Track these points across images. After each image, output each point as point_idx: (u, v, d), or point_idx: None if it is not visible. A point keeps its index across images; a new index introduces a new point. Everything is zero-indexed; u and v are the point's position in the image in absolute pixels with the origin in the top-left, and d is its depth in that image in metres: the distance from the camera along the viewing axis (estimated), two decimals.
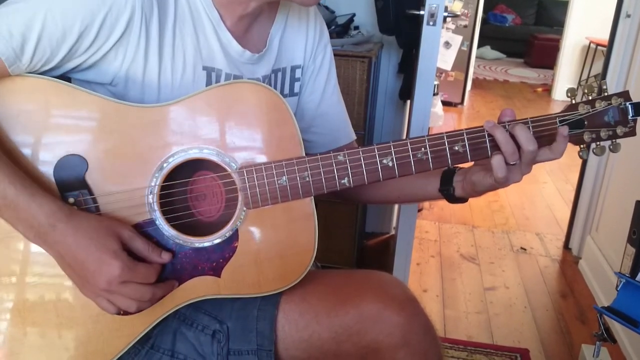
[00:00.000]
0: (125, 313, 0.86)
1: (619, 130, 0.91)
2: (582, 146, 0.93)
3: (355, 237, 2.41)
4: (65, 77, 0.89)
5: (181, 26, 0.92)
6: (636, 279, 1.20)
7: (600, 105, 0.90)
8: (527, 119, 0.91)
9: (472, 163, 0.98)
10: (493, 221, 3.21)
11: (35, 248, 0.84)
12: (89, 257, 0.81)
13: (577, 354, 2.00)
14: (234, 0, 0.95)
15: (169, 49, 0.91)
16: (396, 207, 2.72)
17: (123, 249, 0.83)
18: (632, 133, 0.91)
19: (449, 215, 3.23)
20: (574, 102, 0.92)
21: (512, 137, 0.89)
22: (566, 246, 2.93)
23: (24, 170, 0.83)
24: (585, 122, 0.91)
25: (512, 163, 0.90)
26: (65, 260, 0.82)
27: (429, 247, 2.85)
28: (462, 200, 1.03)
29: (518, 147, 0.89)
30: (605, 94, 0.91)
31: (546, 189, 3.72)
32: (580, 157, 0.95)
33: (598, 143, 0.93)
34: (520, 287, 2.52)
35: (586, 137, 0.92)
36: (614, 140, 0.92)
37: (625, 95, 0.91)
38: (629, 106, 0.90)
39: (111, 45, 0.86)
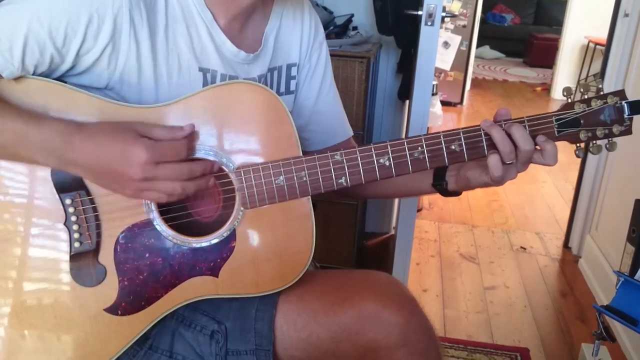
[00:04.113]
0: (175, 203, 0.86)
1: (615, 129, 0.91)
2: (578, 145, 0.94)
3: (354, 237, 2.41)
4: (62, 82, 0.89)
5: (174, 27, 0.92)
6: (635, 277, 1.20)
7: (596, 104, 0.91)
8: (523, 118, 0.91)
9: None
10: (493, 220, 3.21)
11: (31, 254, 0.84)
12: (114, 154, 0.80)
13: (577, 353, 2.00)
14: None
15: (163, 51, 0.91)
16: (396, 207, 2.73)
17: (142, 136, 0.82)
18: (628, 132, 0.91)
19: (448, 215, 3.23)
20: (570, 101, 0.92)
21: (509, 136, 0.90)
22: (566, 245, 2.93)
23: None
24: (582, 121, 0.91)
25: (508, 162, 0.90)
26: (94, 170, 0.82)
27: (428, 247, 2.85)
28: (456, 193, 1.04)
29: (515, 146, 0.90)
30: (602, 92, 0.91)
31: (545, 188, 3.72)
32: (577, 155, 0.95)
33: (594, 142, 0.93)
34: (520, 286, 2.52)
35: (582, 136, 0.92)
36: (610, 139, 0.93)
37: (621, 94, 0.91)
38: (625, 105, 0.90)
39: (102, 48, 0.86)
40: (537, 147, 0.91)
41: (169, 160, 0.82)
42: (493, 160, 0.89)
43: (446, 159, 0.92)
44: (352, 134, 1.21)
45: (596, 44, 5.94)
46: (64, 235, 0.87)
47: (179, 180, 0.83)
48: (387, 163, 0.91)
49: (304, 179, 0.91)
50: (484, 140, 0.91)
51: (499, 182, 0.92)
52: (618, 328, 2.03)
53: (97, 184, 0.85)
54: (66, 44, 0.84)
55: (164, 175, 0.82)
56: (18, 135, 0.79)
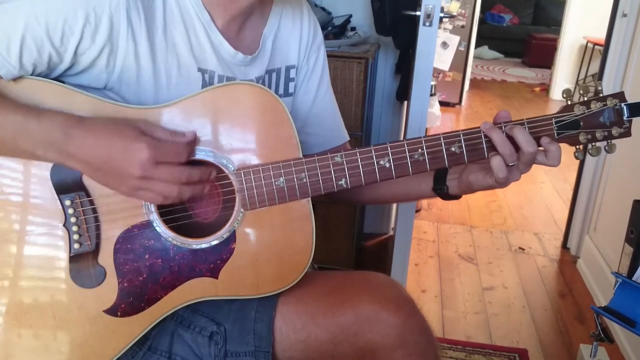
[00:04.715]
0: (171, 206, 0.86)
1: (615, 131, 0.91)
2: (577, 147, 0.94)
3: (353, 238, 2.41)
4: (61, 82, 0.89)
5: (172, 28, 0.92)
6: (633, 278, 1.20)
7: (595, 106, 0.91)
8: (523, 120, 0.92)
9: None
10: (491, 221, 3.22)
11: (30, 254, 0.84)
12: (114, 150, 0.80)
13: (576, 354, 2.00)
14: (224, 0, 0.95)
15: (162, 51, 0.91)
16: (394, 207, 2.73)
17: (144, 134, 0.82)
18: (627, 134, 0.92)
19: (447, 216, 3.23)
20: (569, 103, 0.92)
21: (509, 138, 0.90)
22: (564, 246, 2.93)
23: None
24: (581, 123, 0.91)
25: (510, 164, 0.90)
26: (93, 165, 0.81)
27: (427, 248, 2.85)
28: (456, 197, 1.04)
29: (515, 148, 0.90)
30: (601, 94, 0.92)
31: (544, 189, 3.73)
32: (576, 157, 0.95)
33: (593, 144, 0.93)
34: (518, 287, 2.52)
35: (582, 137, 0.92)
36: (609, 141, 0.93)
37: (620, 96, 0.91)
38: (624, 107, 0.90)
39: (100, 48, 0.86)
40: (541, 149, 0.91)
41: (169, 162, 0.82)
42: (496, 162, 0.90)
43: (446, 160, 0.92)
44: (349, 138, 1.20)
45: (595, 44, 5.95)
46: (64, 236, 0.87)
47: (176, 184, 0.83)
48: (387, 165, 0.92)
49: (304, 180, 0.91)
50: (483, 142, 0.92)
51: (503, 184, 0.92)
52: (616, 329, 2.03)
53: (94, 179, 0.84)
54: (64, 42, 0.84)
55: (162, 176, 0.82)
56: (18, 129, 0.79)
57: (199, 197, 0.89)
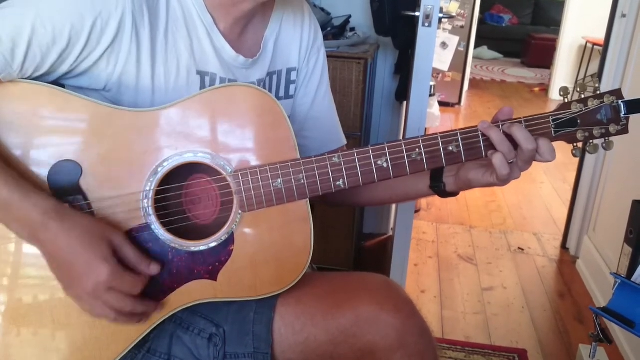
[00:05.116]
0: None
1: (612, 128, 0.91)
2: (575, 145, 0.94)
3: (352, 238, 2.41)
4: (59, 84, 0.89)
5: (174, 30, 0.92)
6: (632, 279, 1.20)
7: (592, 104, 0.91)
8: (520, 118, 0.91)
9: None
10: (490, 221, 3.22)
11: (29, 256, 0.84)
12: (79, 260, 0.81)
13: (575, 354, 2.00)
14: (227, 3, 0.95)
15: (162, 54, 0.91)
16: (393, 208, 2.73)
17: (113, 255, 0.83)
18: (624, 131, 0.92)
19: (446, 216, 3.23)
20: (567, 100, 0.92)
21: (507, 136, 0.90)
22: (564, 246, 2.93)
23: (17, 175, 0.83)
24: (578, 121, 0.91)
25: (509, 162, 0.90)
26: (55, 260, 0.83)
27: (426, 248, 2.85)
28: (454, 194, 1.04)
29: (514, 146, 0.90)
30: (598, 92, 0.92)
31: (543, 189, 3.73)
32: (574, 155, 0.95)
33: (591, 141, 0.93)
34: (517, 287, 2.52)
35: (579, 135, 0.92)
36: (607, 139, 0.93)
37: (617, 93, 0.91)
38: (621, 104, 0.90)
39: (102, 51, 0.86)
40: None
41: (120, 291, 0.83)
42: (498, 159, 0.89)
43: (444, 160, 0.92)
44: (346, 142, 1.20)
45: (594, 44, 5.96)
46: None
47: (115, 311, 0.84)
48: (385, 165, 0.91)
49: (302, 181, 0.91)
50: (481, 141, 0.92)
51: (505, 181, 0.92)
52: (616, 330, 2.03)
53: (51, 269, 0.84)
54: (69, 47, 0.83)
55: (107, 301, 0.83)
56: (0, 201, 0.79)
57: (199, 199, 0.89)
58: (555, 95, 6.53)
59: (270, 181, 0.90)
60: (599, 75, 2.66)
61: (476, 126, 0.92)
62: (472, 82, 6.96)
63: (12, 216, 0.80)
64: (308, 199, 0.93)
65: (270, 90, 1.06)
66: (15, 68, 0.81)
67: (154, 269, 0.87)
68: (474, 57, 6.99)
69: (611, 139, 0.93)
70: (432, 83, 3.02)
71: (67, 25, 0.82)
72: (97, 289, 0.81)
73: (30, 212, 0.80)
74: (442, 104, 5.29)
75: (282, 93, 1.09)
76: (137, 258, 0.86)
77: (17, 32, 0.80)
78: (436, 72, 5.06)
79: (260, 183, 0.90)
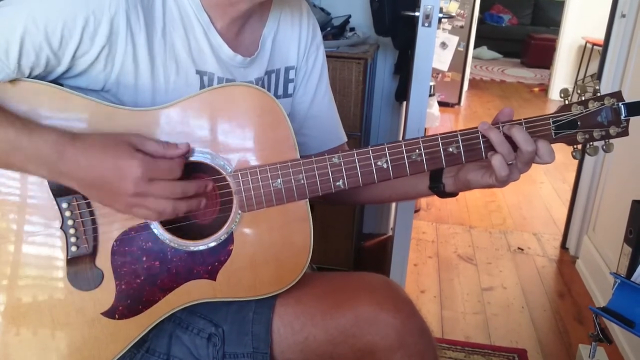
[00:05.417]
0: (167, 223, 0.86)
1: (612, 130, 0.91)
2: (575, 147, 0.94)
3: (352, 238, 2.41)
4: (59, 84, 0.88)
5: (171, 30, 0.92)
6: (632, 278, 1.20)
7: (593, 106, 0.91)
8: (520, 120, 0.91)
9: None
10: (490, 221, 3.22)
11: (29, 255, 0.84)
12: (107, 168, 0.80)
13: (575, 354, 2.00)
14: (224, 2, 0.95)
15: (160, 53, 0.91)
16: (393, 207, 2.73)
17: (137, 151, 0.81)
18: (624, 133, 0.92)
19: (446, 216, 3.23)
20: (567, 102, 0.92)
21: (507, 137, 0.90)
22: (563, 246, 2.93)
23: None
24: (579, 123, 0.91)
25: (508, 163, 0.90)
26: (86, 183, 0.81)
27: (426, 248, 2.85)
28: (453, 194, 1.04)
29: (513, 148, 0.90)
30: (599, 94, 0.92)
31: (543, 189, 3.73)
32: (574, 157, 0.95)
33: (591, 143, 0.93)
34: (517, 287, 2.52)
35: (579, 137, 0.92)
36: (607, 141, 0.93)
37: (617, 95, 0.91)
38: (622, 106, 0.90)
39: (98, 51, 0.86)
40: None
41: (162, 178, 0.82)
42: (497, 160, 0.89)
43: (444, 161, 0.92)
44: (346, 140, 1.20)
45: (593, 44, 5.95)
46: (61, 239, 0.87)
47: (171, 199, 0.82)
48: (384, 165, 0.91)
49: (302, 181, 0.91)
50: (481, 142, 0.92)
51: (504, 182, 0.92)
52: (616, 330, 2.03)
53: (88, 196, 0.84)
54: (62, 45, 0.83)
55: (156, 192, 0.81)
56: (10, 144, 0.79)
57: (196, 211, 0.88)
58: (554, 95, 6.53)
59: (270, 181, 0.90)
60: (599, 75, 2.66)
61: (476, 127, 0.92)
62: (472, 82, 6.95)
63: (27, 157, 0.79)
64: (308, 199, 0.93)
65: (268, 89, 1.06)
66: (11, 67, 0.81)
67: (182, 146, 0.85)
68: (473, 57, 6.99)
69: (611, 141, 0.93)
70: (431, 83, 3.02)
71: (59, 23, 0.82)
72: (138, 185, 0.80)
73: (41, 146, 0.79)
74: (441, 104, 5.29)
75: (280, 92, 1.09)
76: (162, 146, 0.84)
77: (9, 32, 0.80)
78: (436, 72, 5.05)
79: (260, 183, 0.90)
